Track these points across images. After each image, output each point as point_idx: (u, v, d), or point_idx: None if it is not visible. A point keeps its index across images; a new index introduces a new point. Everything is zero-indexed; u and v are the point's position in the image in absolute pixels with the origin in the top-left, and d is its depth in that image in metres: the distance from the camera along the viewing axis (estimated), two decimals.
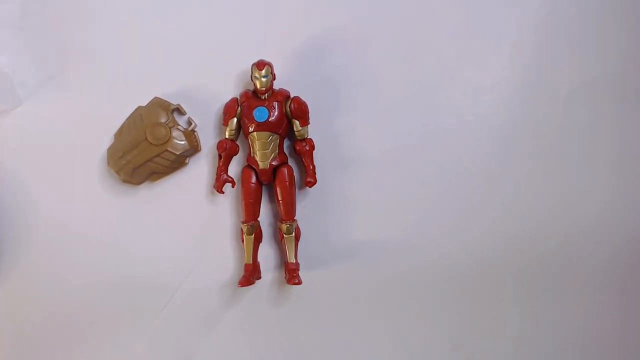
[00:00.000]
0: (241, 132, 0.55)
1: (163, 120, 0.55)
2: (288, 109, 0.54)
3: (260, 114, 0.53)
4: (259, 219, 0.55)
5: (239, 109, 0.54)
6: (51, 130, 0.57)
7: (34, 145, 0.57)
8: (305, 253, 0.55)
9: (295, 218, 0.54)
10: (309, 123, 0.54)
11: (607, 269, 0.58)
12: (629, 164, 0.58)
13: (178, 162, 0.55)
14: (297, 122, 0.54)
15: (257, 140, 0.53)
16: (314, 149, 0.54)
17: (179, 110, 0.56)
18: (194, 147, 0.55)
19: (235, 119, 0.54)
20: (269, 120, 0.53)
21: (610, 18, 0.58)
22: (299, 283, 0.53)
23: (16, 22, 0.58)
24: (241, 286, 0.53)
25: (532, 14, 0.57)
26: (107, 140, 0.56)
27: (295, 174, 0.55)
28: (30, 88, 0.57)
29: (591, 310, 0.58)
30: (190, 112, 0.56)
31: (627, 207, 0.58)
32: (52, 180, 0.57)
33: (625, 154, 0.58)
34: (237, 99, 0.54)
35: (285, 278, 0.54)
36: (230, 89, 0.56)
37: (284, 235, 0.54)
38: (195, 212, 0.56)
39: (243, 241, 0.54)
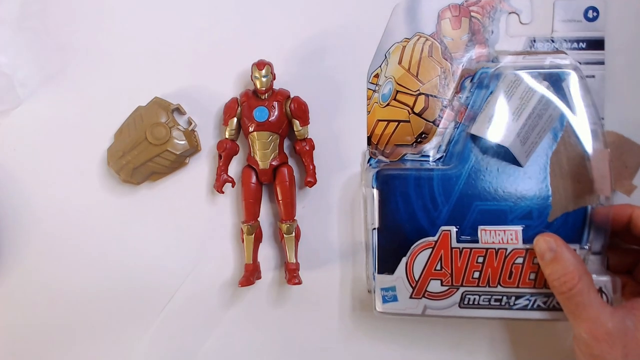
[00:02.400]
0: (241, 132, 0.55)
1: (163, 120, 0.55)
2: (288, 109, 0.54)
3: (260, 113, 0.53)
4: (259, 219, 0.55)
5: (239, 108, 0.54)
6: (51, 130, 0.57)
7: (34, 145, 0.57)
8: (305, 253, 0.55)
9: (295, 218, 0.54)
10: (309, 123, 0.54)
11: None
12: None
13: (178, 162, 0.55)
14: (297, 122, 0.54)
15: (257, 140, 0.53)
16: (314, 149, 0.55)
17: (179, 110, 0.56)
18: (194, 147, 0.55)
19: (235, 119, 0.54)
20: (269, 120, 0.53)
21: None
22: (299, 283, 0.53)
23: (16, 22, 0.58)
24: (241, 286, 0.53)
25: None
26: (107, 140, 0.56)
27: (295, 174, 0.55)
28: (30, 88, 0.57)
29: None
30: (190, 112, 0.56)
31: None
32: (52, 180, 0.57)
33: None
34: (237, 99, 0.54)
35: (285, 278, 0.54)
36: (230, 89, 0.56)
37: (284, 235, 0.54)
38: (195, 212, 0.56)
39: (243, 241, 0.54)
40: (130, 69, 0.57)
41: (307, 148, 0.54)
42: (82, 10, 0.57)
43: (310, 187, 0.54)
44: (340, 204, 0.56)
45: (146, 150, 0.54)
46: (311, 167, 0.54)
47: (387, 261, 0.50)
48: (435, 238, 0.50)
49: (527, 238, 0.49)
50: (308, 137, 0.55)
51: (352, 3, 0.55)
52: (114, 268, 0.57)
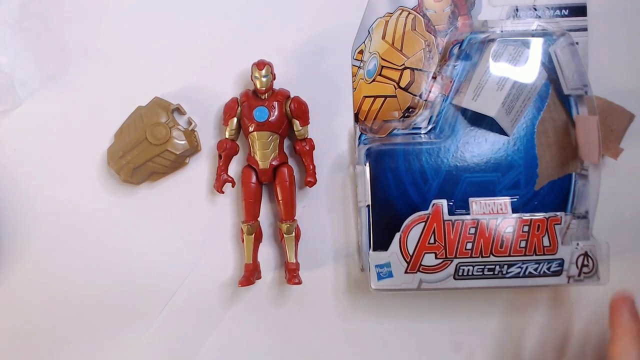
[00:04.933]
0: (241, 132, 0.55)
1: (163, 120, 0.55)
2: (288, 109, 0.54)
3: (260, 113, 0.53)
4: (259, 218, 0.55)
5: (239, 108, 0.54)
6: (51, 131, 0.57)
7: (34, 146, 0.57)
8: (305, 253, 0.55)
9: (295, 218, 0.54)
10: (309, 123, 0.54)
11: None
12: None
13: (178, 162, 0.55)
14: (297, 122, 0.54)
15: (257, 140, 0.53)
16: (314, 148, 0.54)
17: (179, 110, 0.56)
18: (194, 147, 0.55)
19: (235, 119, 0.54)
20: (269, 120, 0.53)
21: None
22: (299, 283, 0.53)
23: (16, 22, 0.58)
24: (241, 286, 0.53)
25: None
26: (107, 140, 0.56)
27: (295, 173, 0.55)
28: (31, 88, 0.57)
29: None
30: (190, 112, 0.56)
31: None
32: (52, 180, 0.57)
33: None
34: (237, 98, 0.54)
35: (285, 278, 0.54)
36: (230, 89, 0.56)
37: (284, 235, 0.54)
38: (195, 212, 0.56)
39: (243, 241, 0.54)
40: (131, 69, 0.56)
41: (307, 148, 0.54)
42: (82, 10, 0.57)
43: (311, 187, 0.54)
44: (340, 204, 0.56)
45: (146, 150, 0.54)
46: (311, 167, 0.54)
47: (380, 238, 0.51)
48: (428, 212, 0.50)
49: (516, 207, 0.50)
50: (308, 137, 0.55)
51: (352, 3, 0.55)
52: (114, 268, 0.57)
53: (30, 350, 0.57)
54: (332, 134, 0.56)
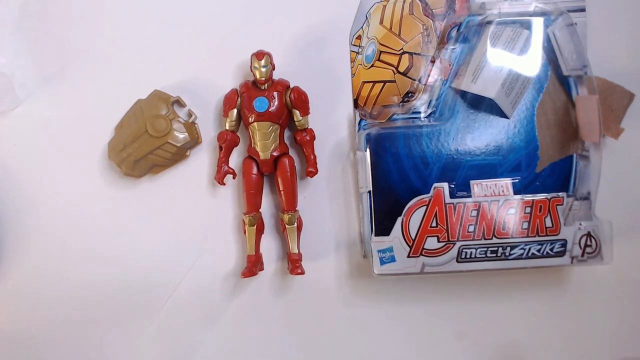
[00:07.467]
0: (241, 124, 0.55)
1: (163, 112, 0.55)
2: (288, 99, 0.54)
3: (260, 104, 0.53)
4: (260, 210, 0.54)
5: (239, 99, 0.54)
6: (51, 131, 0.57)
7: (35, 143, 0.57)
8: (308, 243, 0.55)
9: (297, 208, 0.54)
10: (309, 113, 0.55)
11: None
12: None
13: (179, 154, 0.55)
14: (297, 112, 0.54)
15: (258, 130, 0.53)
16: (314, 138, 0.55)
17: (179, 103, 0.56)
18: (194, 139, 0.55)
19: (235, 110, 0.54)
20: (270, 110, 0.53)
21: None
22: (302, 273, 0.53)
23: (16, 22, 0.58)
24: (244, 277, 0.52)
25: None
26: (107, 136, 0.56)
27: (296, 164, 0.55)
28: (30, 89, 0.57)
29: None
30: (190, 104, 0.56)
31: None
32: (53, 176, 0.57)
33: None
34: (237, 90, 0.54)
35: (288, 268, 0.54)
36: (229, 81, 0.56)
37: (286, 225, 0.54)
38: (196, 204, 0.56)
39: (245, 232, 0.54)
40: (130, 62, 0.57)
41: (308, 138, 0.54)
42: (81, 5, 0.57)
43: (312, 177, 0.54)
44: (341, 192, 0.56)
45: (147, 142, 0.54)
46: (312, 157, 0.54)
47: (382, 223, 0.51)
48: (429, 195, 0.50)
49: (518, 190, 0.50)
50: (308, 127, 0.55)
51: None
52: (116, 261, 0.56)
53: (33, 344, 0.56)
54: (332, 123, 0.56)
